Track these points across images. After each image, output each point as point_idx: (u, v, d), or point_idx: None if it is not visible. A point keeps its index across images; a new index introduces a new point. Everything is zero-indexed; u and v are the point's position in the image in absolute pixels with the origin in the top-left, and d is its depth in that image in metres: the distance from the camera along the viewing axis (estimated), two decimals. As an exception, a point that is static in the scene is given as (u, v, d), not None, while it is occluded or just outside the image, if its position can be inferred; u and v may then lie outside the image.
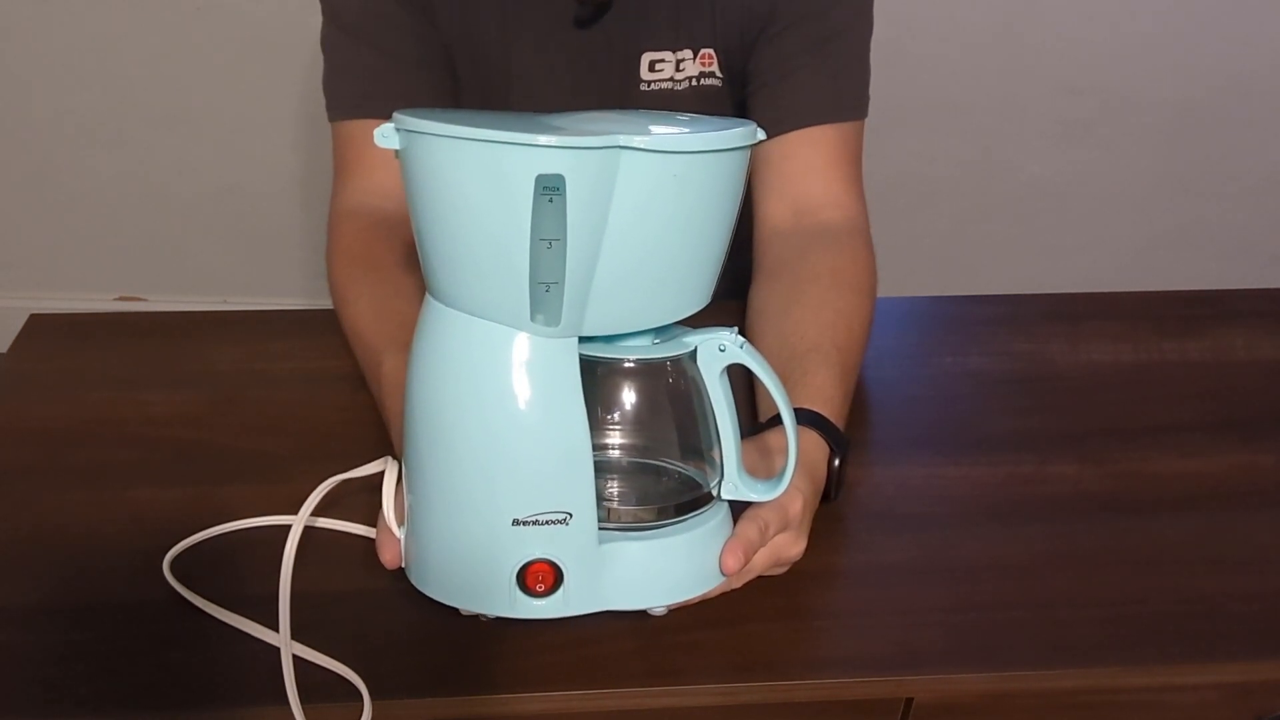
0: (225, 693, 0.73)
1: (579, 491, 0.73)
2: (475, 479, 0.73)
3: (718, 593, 0.79)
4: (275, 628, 0.74)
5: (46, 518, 0.87)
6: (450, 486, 0.73)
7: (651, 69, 1.07)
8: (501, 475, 0.72)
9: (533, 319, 0.69)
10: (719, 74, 1.09)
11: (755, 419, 0.90)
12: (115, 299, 2.29)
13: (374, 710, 0.72)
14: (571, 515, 0.73)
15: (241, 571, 0.81)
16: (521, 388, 0.71)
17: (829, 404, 0.88)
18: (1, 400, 1.00)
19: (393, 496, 0.78)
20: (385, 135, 0.69)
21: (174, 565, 0.81)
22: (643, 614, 0.78)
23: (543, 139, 0.65)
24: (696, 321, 0.75)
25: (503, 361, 0.70)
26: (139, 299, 2.30)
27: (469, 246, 0.69)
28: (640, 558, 0.76)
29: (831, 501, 0.88)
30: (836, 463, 0.87)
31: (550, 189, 0.65)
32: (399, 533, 0.78)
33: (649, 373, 0.76)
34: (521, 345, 0.70)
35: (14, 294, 2.17)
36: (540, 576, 0.73)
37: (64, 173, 2.16)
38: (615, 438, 0.79)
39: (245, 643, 0.76)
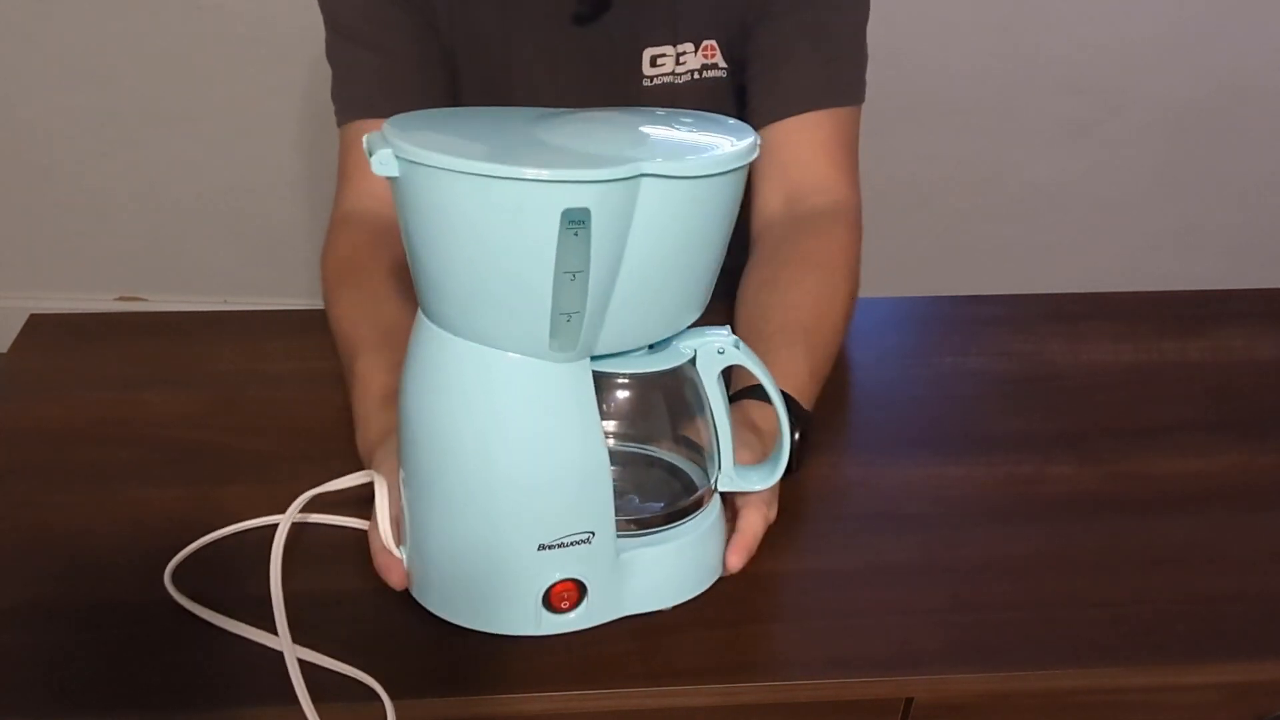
0: (226, 693, 0.73)
1: (600, 509, 0.73)
2: (499, 508, 0.72)
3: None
4: (275, 630, 0.75)
5: (46, 518, 0.87)
6: (474, 516, 0.73)
7: (653, 64, 1.07)
8: (527, 502, 0.72)
9: (551, 347, 0.68)
10: (723, 64, 1.08)
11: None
12: (115, 299, 2.29)
13: (375, 710, 0.72)
14: (594, 534, 0.73)
15: (242, 573, 0.81)
16: (541, 415, 0.70)
17: (791, 379, 0.89)
18: (1, 400, 1.00)
19: (387, 517, 0.77)
20: (384, 163, 0.64)
21: (175, 569, 0.81)
22: (649, 613, 0.78)
23: (571, 174, 0.62)
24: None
25: (523, 390, 0.70)
26: (139, 299, 2.29)
27: (485, 280, 0.67)
28: (654, 562, 0.77)
29: (794, 474, 0.88)
30: (796, 435, 0.87)
31: (576, 222, 0.64)
32: (400, 553, 0.77)
33: (648, 380, 0.76)
34: (541, 373, 0.69)
35: (14, 294, 2.17)
36: (565, 595, 0.74)
37: (64, 173, 2.16)
38: (617, 443, 0.79)
39: (247, 643, 0.76)
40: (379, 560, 0.79)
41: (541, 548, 0.72)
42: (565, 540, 0.72)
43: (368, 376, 0.89)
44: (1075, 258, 2.30)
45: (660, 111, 0.79)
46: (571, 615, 0.75)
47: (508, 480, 0.71)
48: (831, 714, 0.78)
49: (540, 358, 0.69)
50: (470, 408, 0.71)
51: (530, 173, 0.62)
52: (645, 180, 0.64)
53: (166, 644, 0.76)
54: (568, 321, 0.67)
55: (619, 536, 0.75)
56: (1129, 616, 0.82)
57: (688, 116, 0.77)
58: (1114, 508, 0.92)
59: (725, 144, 0.69)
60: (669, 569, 0.77)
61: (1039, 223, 2.29)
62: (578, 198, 0.63)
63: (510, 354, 0.69)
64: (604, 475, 0.72)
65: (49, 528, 0.86)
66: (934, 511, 0.91)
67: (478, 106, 1.02)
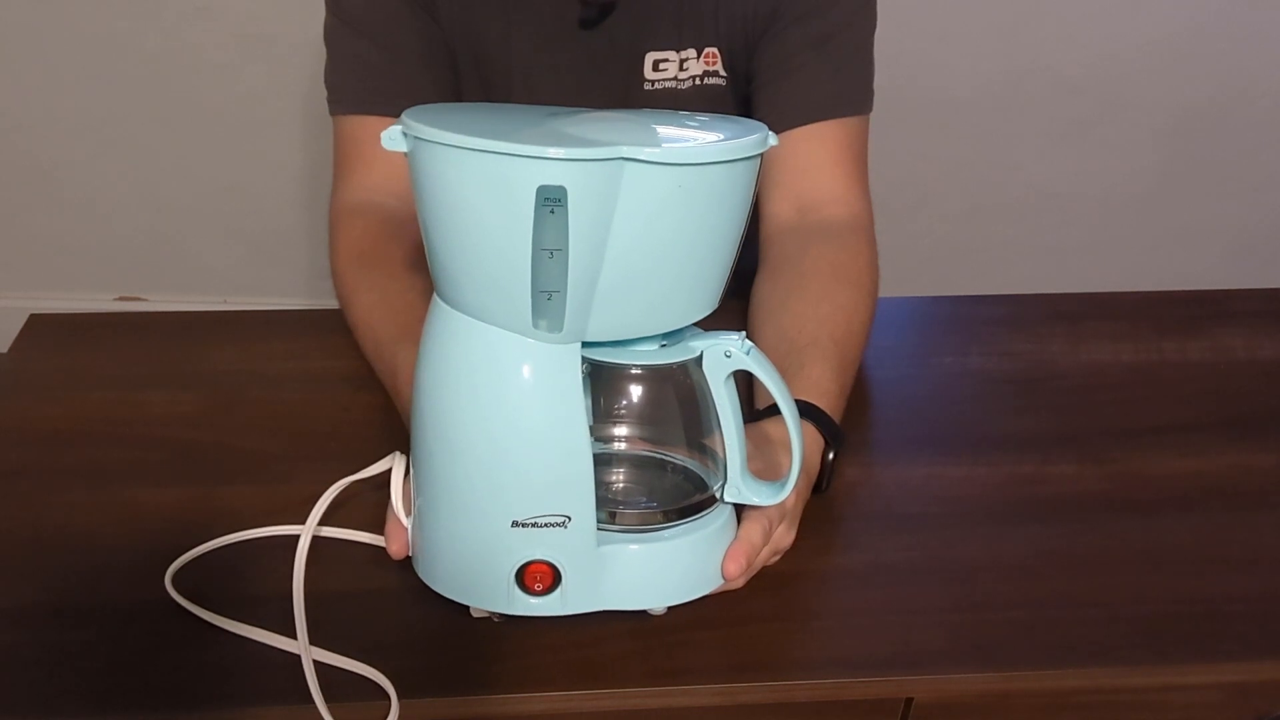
0: (226, 693, 0.73)
1: (578, 495, 0.73)
2: (477, 480, 0.73)
3: (718, 591, 0.79)
4: (282, 631, 0.75)
5: (46, 518, 0.87)
6: (453, 485, 0.74)
7: (655, 68, 1.07)
8: (502, 478, 0.72)
9: (535, 325, 0.69)
10: (723, 73, 1.09)
11: (754, 405, 0.90)
12: (115, 299, 2.29)
13: (378, 709, 0.72)
14: (570, 518, 0.73)
15: (244, 574, 0.81)
16: (524, 393, 0.71)
17: (825, 397, 0.89)
18: (1, 400, 1.00)
19: (400, 487, 0.78)
20: (392, 138, 0.68)
21: (176, 570, 0.81)
22: (642, 613, 0.78)
23: (545, 150, 0.64)
24: (701, 320, 0.75)
25: (506, 366, 0.70)
26: (139, 299, 2.29)
27: (473, 252, 0.68)
28: (639, 560, 0.76)
29: (823, 493, 0.88)
30: (830, 455, 0.88)
31: (552, 200, 0.64)
32: (407, 522, 0.78)
33: (656, 375, 0.76)
34: (524, 351, 0.70)
35: (14, 294, 2.17)
36: (538, 577, 0.74)
37: (64, 173, 2.16)
38: (623, 438, 0.79)
39: (246, 643, 0.76)
40: (386, 529, 0.80)
41: (515, 525, 0.73)
42: (539, 521, 0.72)
43: (411, 368, 0.90)
44: (1075, 258, 2.30)
45: (680, 113, 0.79)
46: (545, 599, 0.74)
47: (483, 451, 0.72)
48: (831, 714, 0.78)
49: (527, 335, 0.69)
50: (456, 378, 0.72)
51: (505, 147, 0.64)
52: (629, 165, 0.65)
53: (166, 644, 0.76)
54: (549, 300, 0.68)
55: (603, 528, 0.75)
56: (1129, 616, 0.82)
57: (705, 117, 0.77)
58: (1114, 508, 0.92)
59: (716, 137, 0.68)
60: (655, 569, 0.76)
61: (1039, 223, 2.29)
62: (552, 175, 0.64)
63: (496, 329, 0.70)
64: (584, 462, 0.72)
65: (49, 528, 0.86)
66: (934, 511, 0.91)
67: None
